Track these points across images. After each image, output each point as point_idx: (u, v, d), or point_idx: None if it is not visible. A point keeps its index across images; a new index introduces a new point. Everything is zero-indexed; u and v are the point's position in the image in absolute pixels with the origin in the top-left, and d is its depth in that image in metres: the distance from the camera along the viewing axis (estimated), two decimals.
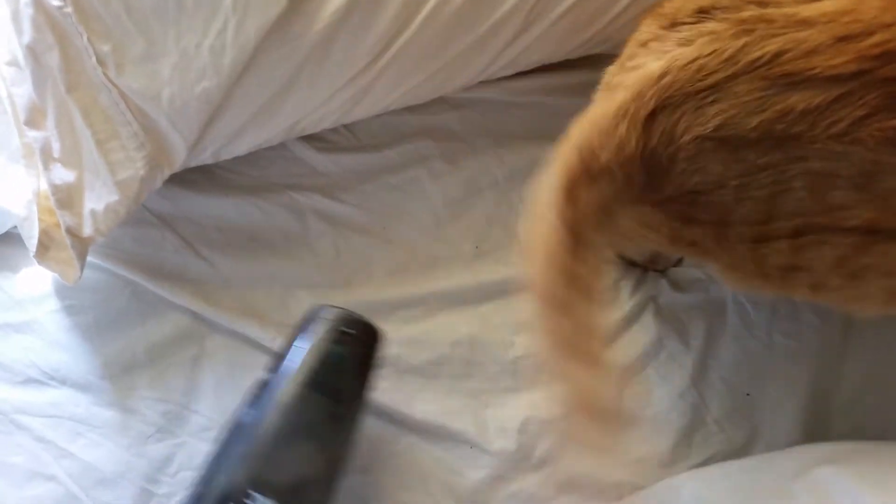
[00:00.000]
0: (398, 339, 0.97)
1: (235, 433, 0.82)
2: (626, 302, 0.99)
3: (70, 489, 0.94)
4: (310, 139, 1.03)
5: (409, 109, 1.03)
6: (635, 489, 0.95)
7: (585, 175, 0.66)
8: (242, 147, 0.94)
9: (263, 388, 0.84)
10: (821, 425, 0.96)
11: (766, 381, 0.97)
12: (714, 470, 0.92)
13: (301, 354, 0.83)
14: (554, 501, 0.94)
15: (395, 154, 1.04)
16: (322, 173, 1.03)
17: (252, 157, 1.00)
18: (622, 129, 0.64)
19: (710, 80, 0.62)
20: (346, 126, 1.04)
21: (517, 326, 0.99)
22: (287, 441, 0.79)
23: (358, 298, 1.00)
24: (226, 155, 0.95)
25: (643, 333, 0.99)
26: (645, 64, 0.67)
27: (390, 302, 1.00)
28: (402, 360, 0.97)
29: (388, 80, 0.91)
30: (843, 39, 0.59)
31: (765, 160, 0.63)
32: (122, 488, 0.94)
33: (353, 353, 0.85)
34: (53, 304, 0.99)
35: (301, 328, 0.87)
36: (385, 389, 0.96)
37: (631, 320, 0.99)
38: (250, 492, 0.74)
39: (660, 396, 0.97)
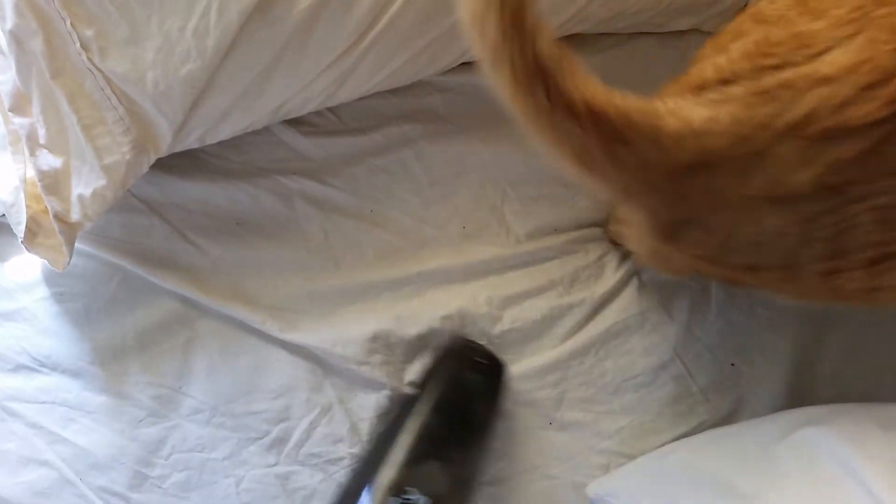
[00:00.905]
0: (388, 315, 0.99)
1: (384, 439, 0.91)
2: (610, 277, 1.01)
3: (64, 474, 0.95)
4: (295, 123, 1.03)
5: (394, 92, 1.04)
6: (623, 461, 0.97)
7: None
8: (227, 130, 0.95)
9: (405, 403, 0.92)
10: (805, 393, 0.98)
11: (750, 352, 0.99)
12: (700, 437, 0.94)
13: (439, 379, 0.92)
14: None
15: (380, 137, 1.05)
16: (308, 157, 1.04)
17: (237, 142, 1.01)
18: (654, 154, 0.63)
19: (751, 147, 0.62)
20: (330, 109, 1.04)
21: (504, 301, 1.00)
22: (418, 459, 0.87)
23: (347, 281, 1.01)
24: (211, 139, 0.95)
25: (627, 307, 1.00)
26: (684, 108, 0.64)
27: (379, 283, 1.01)
28: (393, 333, 0.98)
29: (372, 61, 0.92)
30: (869, 88, 0.59)
31: (823, 207, 0.63)
32: (115, 472, 0.96)
33: (482, 383, 0.92)
34: (43, 291, 1.00)
35: (442, 354, 0.95)
36: (376, 364, 0.97)
37: (614, 294, 1.00)
38: (408, 488, 0.85)
39: (644, 367, 0.98)
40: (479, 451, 0.92)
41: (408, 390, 0.94)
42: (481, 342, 0.97)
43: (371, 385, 0.97)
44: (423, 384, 0.93)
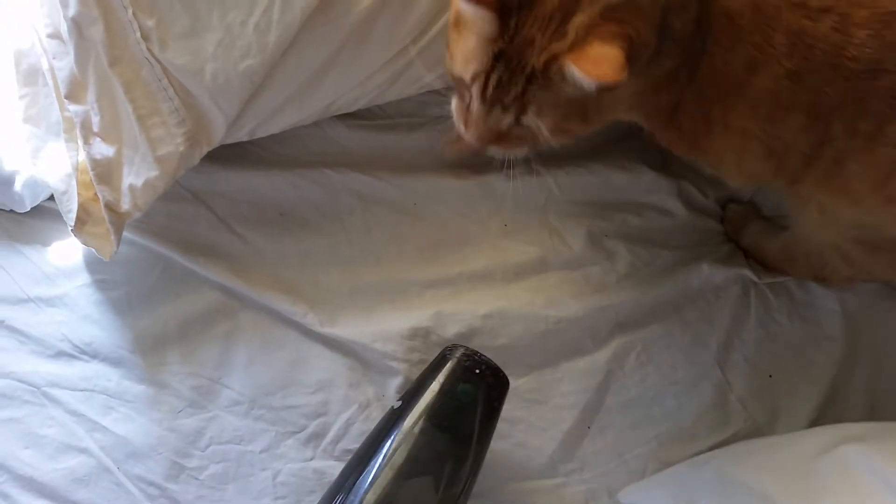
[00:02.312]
0: (428, 312, 0.99)
1: (364, 456, 0.84)
2: (652, 282, 1.01)
3: (102, 462, 0.95)
4: (341, 116, 1.03)
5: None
6: (658, 466, 0.97)
7: None
8: (279, 125, 0.94)
9: (393, 416, 0.85)
10: (841, 408, 0.98)
11: (788, 364, 0.99)
12: (737, 447, 0.94)
13: (431, 389, 0.85)
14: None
15: (425, 133, 1.04)
16: (353, 150, 1.04)
17: (283, 134, 1.00)
18: None
19: None
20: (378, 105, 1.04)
21: (545, 302, 1.00)
22: (406, 474, 0.80)
23: (388, 276, 1.01)
24: (261, 133, 0.95)
25: (669, 313, 1.01)
26: None
27: (421, 282, 1.01)
28: (433, 331, 0.98)
29: (426, 61, 0.91)
30: None
31: None
32: (153, 461, 0.95)
33: (479, 394, 0.86)
34: (85, 278, 0.99)
35: (435, 363, 0.89)
36: (415, 363, 0.97)
37: (657, 300, 1.01)
38: None
39: (684, 374, 0.99)
40: (472, 467, 0.85)
41: (395, 403, 0.88)
42: (483, 351, 0.91)
43: (409, 383, 0.97)
44: (412, 395, 0.88)
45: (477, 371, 0.86)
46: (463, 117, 0.78)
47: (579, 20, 0.66)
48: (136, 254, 0.99)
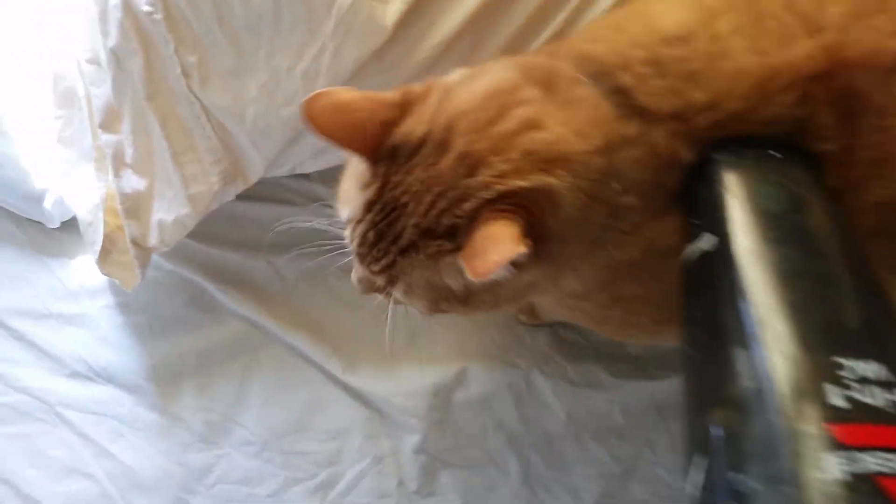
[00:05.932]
0: (452, 370, 0.95)
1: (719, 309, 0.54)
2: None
3: (106, 489, 0.93)
4: None
5: None
6: None
7: None
8: (319, 164, 0.90)
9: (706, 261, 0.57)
10: None
11: None
12: None
13: (731, 215, 0.57)
14: None
15: None
16: None
17: (323, 174, 0.96)
18: None
19: None
20: None
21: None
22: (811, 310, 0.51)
23: (415, 328, 0.97)
24: (301, 170, 0.90)
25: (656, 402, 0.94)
26: None
27: (448, 337, 0.96)
28: (455, 391, 0.94)
29: None
30: None
31: None
32: (157, 494, 0.93)
33: (793, 188, 0.59)
34: (108, 299, 0.97)
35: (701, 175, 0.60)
36: (435, 422, 0.93)
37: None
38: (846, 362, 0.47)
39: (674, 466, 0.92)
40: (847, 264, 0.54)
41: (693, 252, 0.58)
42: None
43: (425, 444, 0.93)
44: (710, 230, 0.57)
45: (772, 167, 0.60)
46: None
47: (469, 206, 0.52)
48: (163, 279, 0.97)
